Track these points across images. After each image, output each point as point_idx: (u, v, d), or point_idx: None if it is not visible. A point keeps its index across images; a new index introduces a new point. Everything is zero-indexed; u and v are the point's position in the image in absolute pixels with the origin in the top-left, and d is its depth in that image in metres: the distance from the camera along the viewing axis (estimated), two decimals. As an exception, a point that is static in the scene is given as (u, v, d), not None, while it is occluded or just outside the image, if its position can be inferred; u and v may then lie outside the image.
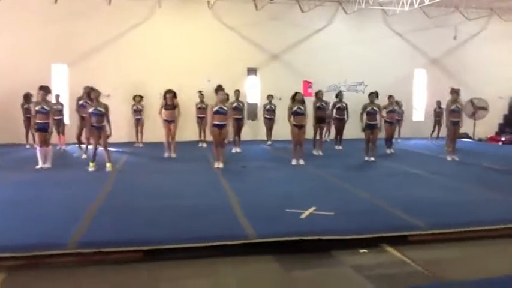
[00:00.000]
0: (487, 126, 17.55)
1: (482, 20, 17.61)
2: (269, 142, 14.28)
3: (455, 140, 11.82)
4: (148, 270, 4.64)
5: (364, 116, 11.13)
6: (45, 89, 9.98)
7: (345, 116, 13.32)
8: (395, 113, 13.04)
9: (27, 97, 12.88)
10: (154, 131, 13.27)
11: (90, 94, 9.94)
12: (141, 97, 13.77)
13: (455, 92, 11.36)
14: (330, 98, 14.04)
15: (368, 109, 11.06)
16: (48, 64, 14.58)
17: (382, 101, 11.94)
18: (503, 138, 16.68)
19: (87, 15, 14.67)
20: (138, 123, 13.73)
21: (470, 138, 16.98)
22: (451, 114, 11.33)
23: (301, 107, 10.33)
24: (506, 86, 18.00)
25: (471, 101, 16.36)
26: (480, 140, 17.02)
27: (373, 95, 11.23)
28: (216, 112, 9.92)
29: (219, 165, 9.98)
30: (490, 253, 5.28)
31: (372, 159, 11.07)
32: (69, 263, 4.68)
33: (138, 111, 13.64)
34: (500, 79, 17.63)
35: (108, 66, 14.71)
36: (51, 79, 14.48)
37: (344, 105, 13.30)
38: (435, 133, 15.83)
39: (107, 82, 14.03)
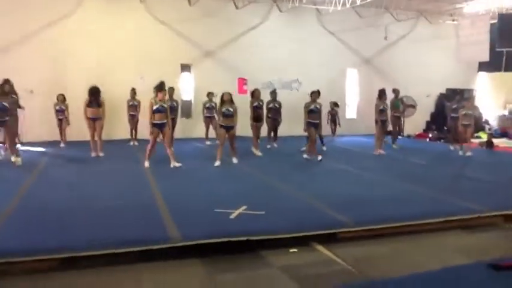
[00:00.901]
0: (415, 123, 18.28)
1: (411, 22, 18.24)
2: (208, 142, 13.81)
3: (383, 136, 12.72)
4: (62, 280, 4.26)
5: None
6: None
7: (278, 117, 13.04)
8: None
9: None
10: (81, 129, 12.49)
11: (4, 87, 9.44)
12: (63, 96, 12.65)
13: (383, 93, 12.30)
14: (265, 95, 13.98)
15: (311, 107, 10.83)
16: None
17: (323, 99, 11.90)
18: (430, 135, 17.39)
19: (8, 8, 13.63)
20: (61, 123, 12.76)
21: (399, 135, 17.54)
22: (380, 113, 12.18)
23: (229, 108, 9.84)
24: (433, 85, 18.82)
25: (400, 99, 16.87)
26: (409, 136, 17.63)
27: (316, 93, 10.99)
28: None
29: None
30: (418, 248, 5.33)
31: (320, 158, 10.79)
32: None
33: (61, 111, 12.64)
34: (427, 79, 18.38)
35: (31, 61, 13.71)
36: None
37: (277, 105, 13.04)
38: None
39: (28, 78, 13.17)
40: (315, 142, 11.00)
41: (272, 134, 13.38)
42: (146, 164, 9.62)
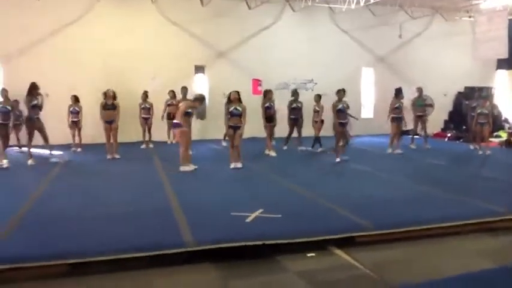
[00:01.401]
0: (433, 122, 17.91)
1: (426, 19, 17.95)
2: (224, 143, 13.65)
3: (399, 135, 12.47)
4: (73, 286, 4.18)
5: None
6: None
7: (299, 116, 12.78)
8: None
9: None
10: (96, 131, 12.49)
11: (32, 90, 10.10)
12: (76, 97, 12.59)
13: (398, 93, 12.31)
14: (280, 96, 13.88)
15: (339, 107, 10.53)
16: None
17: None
18: (448, 134, 17.06)
19: (18, 10, 13.71)
20: (74, 125, 12.60)
21: (416, 134, 17.24)
22: (393, 111, 12.19)
23: (237, 108, 9.55)
24: (450, 84, 18.47)
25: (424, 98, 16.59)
26: (426, 136, 17.29)
27: (342, 92, 10.69)
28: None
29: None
30: (439, 252, 5.13)
31: (345, 157, 10.57)
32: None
33: (75, 113, 12.54)
34: (444, 77, 18.06)
35: (45, 65, 13.76)
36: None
37: (299, 105, 12.81)
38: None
39: (43, 81, 13.19)
40: (344, 140, 10.70)
41: (291, 135, 13.05)
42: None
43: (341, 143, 10.77)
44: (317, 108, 12.75)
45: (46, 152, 10.97)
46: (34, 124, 10.41)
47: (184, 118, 9.33)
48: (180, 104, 9.86)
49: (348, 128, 10.92)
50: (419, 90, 13.49)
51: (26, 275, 4.26)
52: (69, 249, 4.63)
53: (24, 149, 11.84)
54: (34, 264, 4.33)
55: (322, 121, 12.73)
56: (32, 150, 10.65)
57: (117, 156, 11.15)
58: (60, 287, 4.18)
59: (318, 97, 12.83)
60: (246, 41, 16.07)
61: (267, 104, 12.10)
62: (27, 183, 8.36)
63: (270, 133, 12.13)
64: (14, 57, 13.74)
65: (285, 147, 12.83)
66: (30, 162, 10.28)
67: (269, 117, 12.06)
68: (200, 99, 9.86)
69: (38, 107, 10.43)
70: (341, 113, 10.54)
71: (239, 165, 9.64)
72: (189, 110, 9.49)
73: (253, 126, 11.82)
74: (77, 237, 5.06)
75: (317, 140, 12.82)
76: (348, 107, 10.73)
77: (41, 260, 4.38)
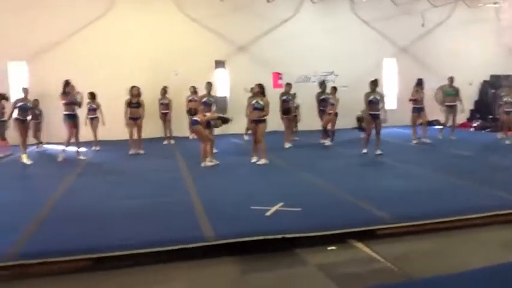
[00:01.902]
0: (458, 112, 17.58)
1: (449, 7, 17.57)
2: (246, 137, 13.68)
3: (425, 124, 12.62)
4: (97, 279, 4.27)
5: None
6: None
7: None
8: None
9: None
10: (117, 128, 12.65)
11: (66, 87, 10.39)
12: (93, 94, 12.55)
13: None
14: (300, 89, 13.84)
15: (370, 98, 10.34)
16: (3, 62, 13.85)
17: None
18: (474, 124, 16.71)
19: (41, 8, 13.98)
20: (92, 122, 12.59)
21: (442, 125, 16.92)
22: (413, 101, 12.47)
23: (260, 102, 9.40)
24: (475, 73, 18.04)
25: (441, 88, 16.29)
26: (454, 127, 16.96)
27: (375, 82, 10.46)
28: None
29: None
30: (462, 245, 5.05)
31: (379, 152, 10.28)
32: (5, 276, 4.24)
33: (92, 110, 12.52)
34: (469, 66, 17.65)
35: (66, 63, 13.96)
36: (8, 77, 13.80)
37: (329, 96, 12.69)
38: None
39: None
40: (376, 134, 10.42)
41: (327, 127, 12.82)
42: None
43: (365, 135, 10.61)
44: (332, 101, 12.49)
45: (72, 149, 10.91)
46: (69, 122, 10.53)
47: (204, 124, 9.40)
48: (208, 114, 9.76)
49: (382, 115, 10.43)
50: (450, 79, 13.20)
51: (52, 269, 4.36)
52: (93, 244, 4.72)
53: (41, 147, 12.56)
54: (60, 259, 4.43)
55: (336, 114, 12.47)
56: (52, 147, 10.85)
57: (141, 152, 11.37)
58: (85, 281, 4.26)
59: (334, 89, 12.67)
60: (265, 35, 16.04)
61: (284, 97, 12.10)
62: (52, 179, 8.53)
63: (287, 125, 12.19)
64: (38, 56, 14.00)
65: (328, 143, 12.39)
66: (80, 157, 10.72)
67: (285, 110, 12.04)
68: (224, 120, 9.77)
69: (76, 104, 10.70)
70: (373, 105, 10.30)
71: (262, 161, 9.44)
72: (212, 122, 9.53)
73: (274, 120, 11.80)
74: (100, 232, 5.16)
75: (325, 132, 12.63)
76: (381, 98, 10.45)
77: (66, 254, 4.48)
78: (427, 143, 12.16)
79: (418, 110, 12.43)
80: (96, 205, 6.40)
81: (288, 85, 12.34)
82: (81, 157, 10.78)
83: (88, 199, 6.82)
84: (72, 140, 10.62)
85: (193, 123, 9.51)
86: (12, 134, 11.48)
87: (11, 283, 4.19)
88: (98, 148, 12.51)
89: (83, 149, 11.34)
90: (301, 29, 16.23)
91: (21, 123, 10.46)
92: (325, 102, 12.69)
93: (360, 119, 14.45)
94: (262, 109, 9.41)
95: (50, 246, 4.68)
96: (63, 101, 10.45)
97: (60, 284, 4.20)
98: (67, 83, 10.50)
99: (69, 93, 10.49)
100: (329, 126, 12.52)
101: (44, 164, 10.63)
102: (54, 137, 13.21)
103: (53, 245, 4.74)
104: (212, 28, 15.43)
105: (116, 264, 4.48)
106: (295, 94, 12.86)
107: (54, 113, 12.55)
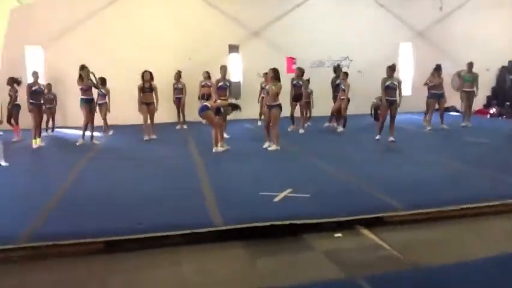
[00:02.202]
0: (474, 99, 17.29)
1: (468, -10, 17.19)
2: (259, 123, 13.64)
3: (442, 111, 12.69)
4: (107, 262, 4.37)
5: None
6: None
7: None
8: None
9: None
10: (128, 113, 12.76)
11: (81, 73, 10.51)
12: (104, 79, 12.22)
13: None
14: (314, 74, 13.74)
15: (387, 83, 10.19)
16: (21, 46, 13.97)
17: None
18: (491, 111, 16.45)
19: None
20: (101, 108, 12.41)
21: (457, 111, 16.72)
22: (430, 88, 12.30)
23: (273, 87, 9.24)
24: (493, 58, 17.60)
25: (458, 74, 16.04)
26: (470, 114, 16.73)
27: (392, 68, 10.29)
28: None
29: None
30: (472, 233, 5.02)
31: (392, 139, 10.17)
32: (20, 258, 4.36)
33: (101, 95, 12.37)
34: (486, 51, 17.20)
35: (82, 47, 14.03)
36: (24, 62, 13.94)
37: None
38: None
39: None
40: (391, 120, 10.31)
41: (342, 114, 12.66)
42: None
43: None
44: (343, 87, 12.27)
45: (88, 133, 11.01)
46: (85, 106, 10.68)
47: (214, 109, 9.38)
48: (218, 101, 9.77)
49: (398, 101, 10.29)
50: (469, 65, 12.99)
51: (64, 251, 4.47)
52: (104, 227, 4.84)
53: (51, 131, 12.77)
54: (72, 241, 4.54)
55: (348, 100, 12.27)
56: (66, 131, 11.02)
57: (154, 137, 11.40)
58: (97, 263, 4.35)
59: (345, 75, 12.47)
60: (279, 19, 15.87)
61: (294, 82, 12.03)
62: (65, 164, 8.67)
63: (292, 112, 12.20)
64: (54, 41, 14.09)
65: (340, 129, 12.23)
66: (94, 141, 10.89)
67: (295, 96, 11.97)
68: (235, 107, 9.74)
69: (94, 87, 10.90)
70: (390, 90, 10.15)
71: (273, 147, 9.38)
72: (222, 109, 9.54)
73: (287, 106, 11.76)
74: (112, 216, 5.28)
75: (333, 116, 12.61)
76: (399, 84, 10.28)
77: (78, 237, 4.59)
78: (444, 129, 12.03)
79: (438, 96, 12.34)
80: (108, 190, 6.53)
81: (299, 69, 12.24)
82: (95, 141, 10.92)
83: (100, 184, 6.95)
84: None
85: (203, 108, 9.34)
86: (24, 119, 11.52)
87: (26, 264, 4.31)
88: (111, 133, 12.57)
89: (97, 133, 11.46)
90: (315, 13, 15.99)
91: (36, 107, 10.60)
92: (339, 88, 12.59)
93: (376, 107, 14.29)
94: (277, 94, 9.32)
95: (63, 229, 4.80)
96: (80, 86, 10.58)
97: (73, 266, 4.31)
98: (82, 67, 10.60)
99: (85, 78, 10.58)
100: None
101: (57, 148, 10.80)
102: (69, 122, 13.38)
103: (66, 228, 4.86)
104: (227, 12, 15.33)
105: (127, 247, 4.57)
106: (309, 79, 12.77)
107: (70, 98, 12.69)
